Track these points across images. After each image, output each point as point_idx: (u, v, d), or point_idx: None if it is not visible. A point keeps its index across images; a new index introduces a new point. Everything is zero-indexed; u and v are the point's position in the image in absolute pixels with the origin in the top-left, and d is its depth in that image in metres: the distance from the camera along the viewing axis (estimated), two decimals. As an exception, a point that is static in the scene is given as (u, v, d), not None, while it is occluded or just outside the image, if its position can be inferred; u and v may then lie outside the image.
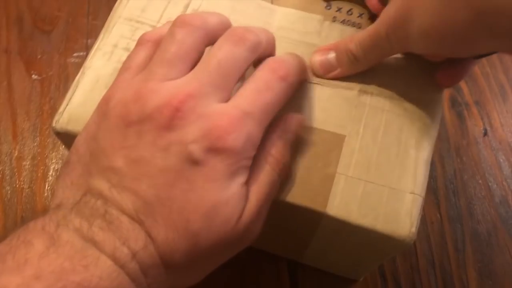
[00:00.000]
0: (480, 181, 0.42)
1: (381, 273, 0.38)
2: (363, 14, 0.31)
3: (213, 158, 0.21)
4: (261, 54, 0.24)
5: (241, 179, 0.22)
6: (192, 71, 0.23)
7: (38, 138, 0.43)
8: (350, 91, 0.28)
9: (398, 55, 0.29)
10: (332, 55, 0.28)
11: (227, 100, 0.23)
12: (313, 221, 0.26)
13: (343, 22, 0.30)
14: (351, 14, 0.31)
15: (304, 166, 0.26)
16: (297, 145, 0.26)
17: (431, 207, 0.40)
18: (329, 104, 0.28)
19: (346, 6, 0.31)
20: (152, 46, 0.25)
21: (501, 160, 0.43)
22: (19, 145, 0.42)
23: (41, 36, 0.47)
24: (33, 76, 0.45)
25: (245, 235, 0.23)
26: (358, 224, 0.25)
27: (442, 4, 0.22)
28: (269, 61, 0.24)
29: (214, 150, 0.21)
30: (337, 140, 0.26)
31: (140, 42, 0.26)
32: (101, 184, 0.22)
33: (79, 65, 0.46)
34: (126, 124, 0.22)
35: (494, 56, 0.48)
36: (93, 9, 0.49)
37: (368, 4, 0.30)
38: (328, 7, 0.31)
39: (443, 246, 0.39)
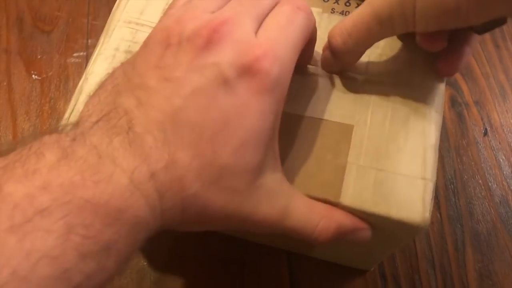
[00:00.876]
0: (480, 181, 0.42)
1: (381, 273, 0.38)
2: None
3: (247, 85, 0.21)
4: None
5: (273, 114, 0.22)
6: (227, 4, 0.23)
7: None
8: (354, 81, 0.28)
9: (398, 44, 0.29)
10: (329, 52, 0.28)
11: (257, 30, 0.23)
12: None
13: (342, 13, 0.31)
14: (349, 5, 0.31)
15: (314, 159, 0.26)
16: (306, 139, 0.27)
17: (431, 207, 0.41)
18: (334, 96, 0.28)
19: None
20: None
21: (501, 160, 0.43)
22: (19, 145, 0.42)
23: (41, 36, 0.47)
24: (33, 76, 0.45)
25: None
26: (373, 212, 0.25)
27: None
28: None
29: (248, 72, 0.21)
30: (346, 131, 0.27)
31: None
32: (128, 101, 0.21)
33: (79, 65, 0.46)
34: (165, 46, 0.22)
35: (494, 56, 0.48)
36: (93, 9, 0.49)
37: None
38: (326, 0, 0.31)
39: (443, 246, 0.39)
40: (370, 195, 0.25)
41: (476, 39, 0.28)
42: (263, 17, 0.23)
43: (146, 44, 0.23)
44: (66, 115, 0.27)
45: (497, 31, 0.49)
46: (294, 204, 0.24)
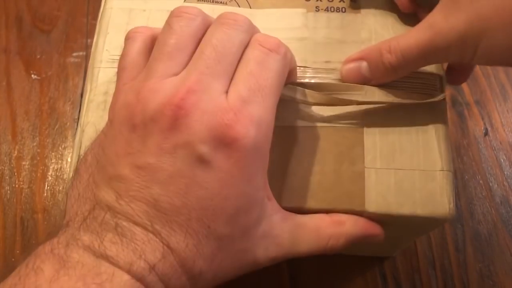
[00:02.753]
0: (481, 181, 0.42)
1: (382, 273, 0.38)
2: None
3: (225, 156, 0.20)
4: (253, 34, 0.23)
5: (260, 171, 0.21)
6: (190, 62, 0.22)
7: (37, 138, 0.42)
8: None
9: (390, 34, 0.29)
10: (364, 65, 0.26)
11: (227, 86, 0.21)
12: None
13: (326, 9, 0.30)
14: (332, 1, 0.30)
15: (331, 170, 0.25)
16: (319, 150, 0.26)
17: (431, 207, 0.40)
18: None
19: None
20: (142, 38, 0.24)
21: (502, 160, 0.42)
22: (19, 145, 0.42)
23: (40, 36, 0.47)
24: (32, 76, 0.45)
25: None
26: (399, 214, 0.25)
27: None
28: (254, 39, 0.23)
29: (224, 143, 0.20)
30: (357, 135, 0.26)
31: (128, 36, 0.24)
32: (108, 195, 0.20)
33: (78, 65, 0.46)
34: (130, 129, 0.21)
35: (495, 56, 0.48)
36: (93, 9, 0.49)
37: (397, 2, 0.29)
38: None
39: (444, 247, 0.39)
40: (394, 198, 0.25)
41: None
42: (232, 69, 0.22)
43: (111, 122, 0.22)
44: (71, 173, 0.26)
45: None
46: (300, 235, 0.24)
